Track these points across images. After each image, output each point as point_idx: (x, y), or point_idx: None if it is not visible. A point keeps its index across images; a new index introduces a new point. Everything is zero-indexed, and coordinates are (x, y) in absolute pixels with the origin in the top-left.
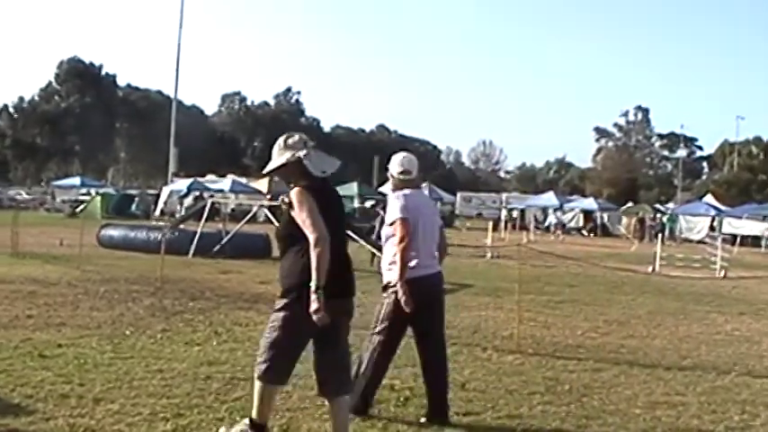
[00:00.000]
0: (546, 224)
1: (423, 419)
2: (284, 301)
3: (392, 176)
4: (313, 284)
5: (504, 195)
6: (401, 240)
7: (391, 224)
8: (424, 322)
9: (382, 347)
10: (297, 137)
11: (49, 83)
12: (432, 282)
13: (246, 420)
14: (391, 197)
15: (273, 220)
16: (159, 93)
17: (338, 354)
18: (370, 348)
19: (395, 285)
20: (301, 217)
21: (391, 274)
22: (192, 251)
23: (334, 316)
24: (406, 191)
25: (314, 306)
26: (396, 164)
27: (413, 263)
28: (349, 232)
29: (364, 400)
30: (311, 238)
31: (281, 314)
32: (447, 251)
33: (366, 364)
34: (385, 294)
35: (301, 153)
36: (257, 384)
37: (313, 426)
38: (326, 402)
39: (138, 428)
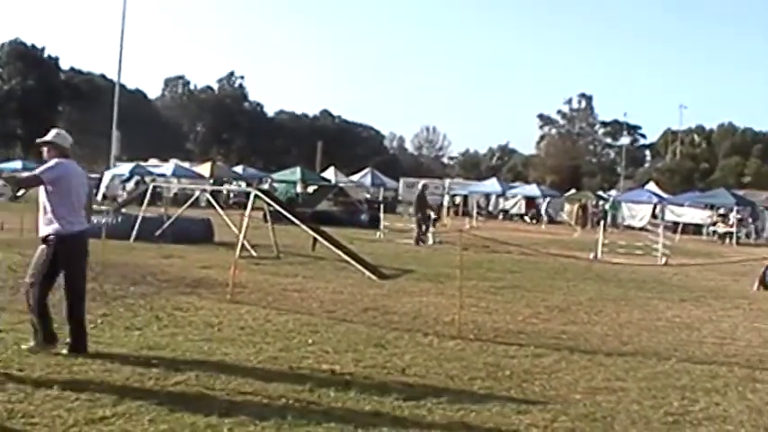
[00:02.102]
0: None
1: (64, 351)
2: None
3: (51, 145)
4: None
5: (447, 181)
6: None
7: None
8: (71, 269)
9: (41, 289)
10: None
11: None
12: (80, 237)
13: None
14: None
15: (215, 204)
16: (102, 76)
17: None
18: (32, 291)
19: (52, 239)
20: None
21: (47, 228)
22: (133, 235)
23: None
24: (62, 160)
25: None
26: (50, 135)
27: (67, 221)
28: (291, 217)
29: (47, 334)
30: None
31: None
32: (93, 210)
33: (32, 306)
34: (43, 246)
35: None
36: None
37: (253, 410)
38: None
39: (77, 414)
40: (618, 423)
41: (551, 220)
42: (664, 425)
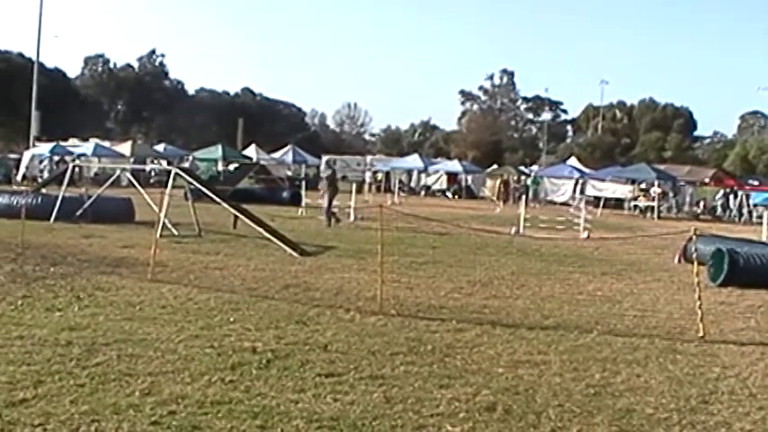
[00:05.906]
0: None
1: None
2: None
3: None
4: None
5: (368, 158)
6: None
7: None
8: None
9: None
10: None
11: None
12: None
13: None
14: None
15: (136, 184)
16: (20, 55)
17: None
18: None
19: None
20: None
21: None
22: (54, 216)
23: None
24: None
25: None
26: None
27: None
28: (212, 195)
29: None
30: None
31: None
32: None
33: None
34: None
35: None
36: None
37: (175, 389)
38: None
39: None
40: (540, 395)
41: (473, 196)
42: (585, 396)
